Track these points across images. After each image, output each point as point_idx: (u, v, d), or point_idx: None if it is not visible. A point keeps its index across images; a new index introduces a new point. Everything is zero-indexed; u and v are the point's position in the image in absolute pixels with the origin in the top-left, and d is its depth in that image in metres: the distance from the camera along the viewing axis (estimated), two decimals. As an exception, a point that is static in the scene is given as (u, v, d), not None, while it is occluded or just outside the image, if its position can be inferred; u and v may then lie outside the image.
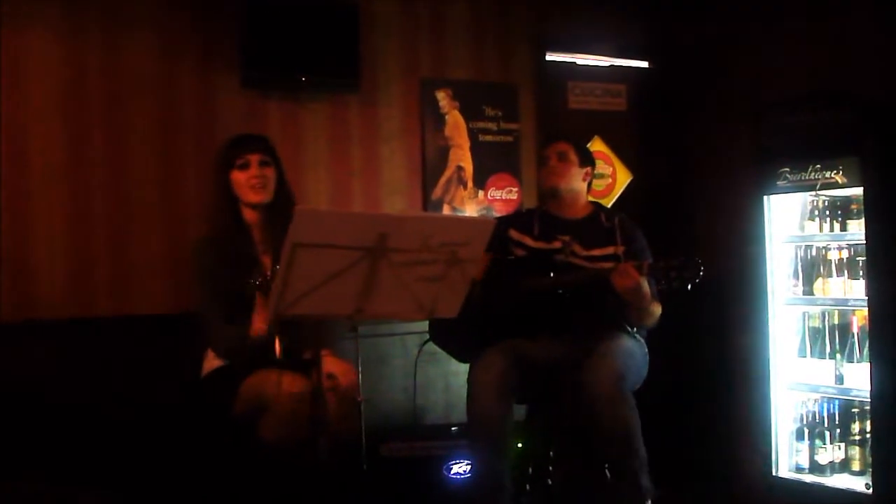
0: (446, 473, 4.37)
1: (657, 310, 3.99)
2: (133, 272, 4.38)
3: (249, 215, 3.84)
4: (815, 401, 4.67)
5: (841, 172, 4.40)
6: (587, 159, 4.29)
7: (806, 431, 4.66)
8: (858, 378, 4.39)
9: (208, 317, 3.73)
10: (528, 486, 4.20)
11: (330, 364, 3.60)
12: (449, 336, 4.19)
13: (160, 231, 4.44)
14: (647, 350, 4.08)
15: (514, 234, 4.19)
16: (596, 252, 4.08)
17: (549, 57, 5.45)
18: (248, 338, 3.59)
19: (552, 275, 4.02)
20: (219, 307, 3.67)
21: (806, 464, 4.65)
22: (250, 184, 3.73)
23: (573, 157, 4.21)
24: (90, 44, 4.31)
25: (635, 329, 4.07)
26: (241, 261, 3.65)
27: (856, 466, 4.52)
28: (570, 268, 4.04)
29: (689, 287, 3.68)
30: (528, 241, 4.17)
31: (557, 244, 4.12)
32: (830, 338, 4.56)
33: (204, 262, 3.76)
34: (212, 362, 3.79)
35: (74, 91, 4.29)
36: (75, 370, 4.16)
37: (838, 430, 4.59)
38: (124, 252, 4.36)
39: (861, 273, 4.41)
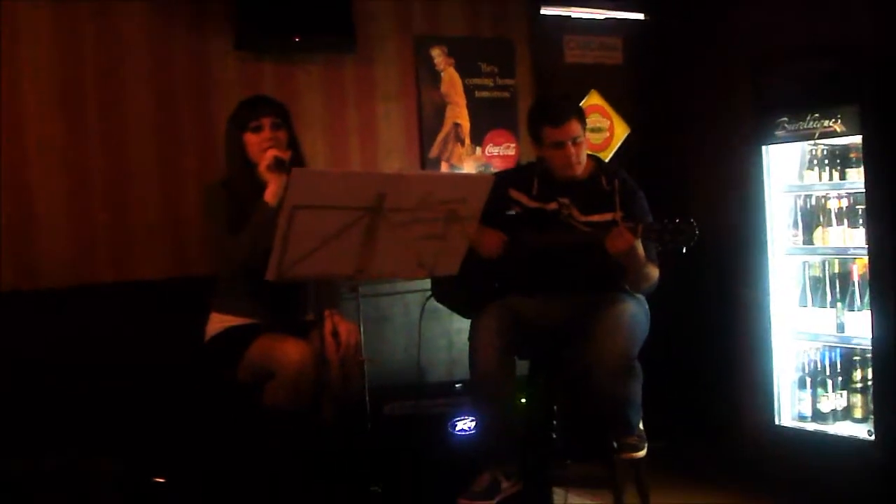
0: (451, 431, 4.38)
1: (654, 272, 3.95)
2: (133, 237, 4.39)
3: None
4: (817, 349, 4.68)
5: (839, 121, 4.38)
6: (585, 125, 4.12)
7: (808, 380, 4.68)
8: (859, 326, 4.39)
9: (220, 241, 3.72)
10: (532, 441, 4.21)
11: (334, 323, 3.61)
12: (451, 293, 4.19)
13: (159, 195, 4.44)
14: (647, 307, 4.08)
15: (512, 192, 4.15)
16: (594, 218, 4.01)
17: (544, 11, 5.41)
18: (261, 206, 3.59)
19: (547, 234, 4.01)
20: (230, 232, 3.66)
21: (808, 412, 4.67)
22: (262, 146, 3.73)
23: (582, 132, 4.04)
24: (82, 8, 4.29)
25: (634, 290, 4.07)
26: (251, 211, 3.65)
27: (858, 414, 4.55)
28: (567, 229, 4.02)
29: (685, 249, 3.68)
30: (525, 200, 4.13)
31: (554, 205, 4.07)
32: (831, 287, 4.57)
33: (216, 200, 3.76)
34: (215, 325, 3.80)
35: (68, 57, 4.27)
36: (78, 338, 4.16)
37: (840, 378, 4.61)
38: (124, 218, 4.37)
39: (861, 222, 4.40)
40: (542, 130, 4.02)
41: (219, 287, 3.85)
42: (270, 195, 3.62)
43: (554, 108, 4.07)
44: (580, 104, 4.32)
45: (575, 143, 4.00)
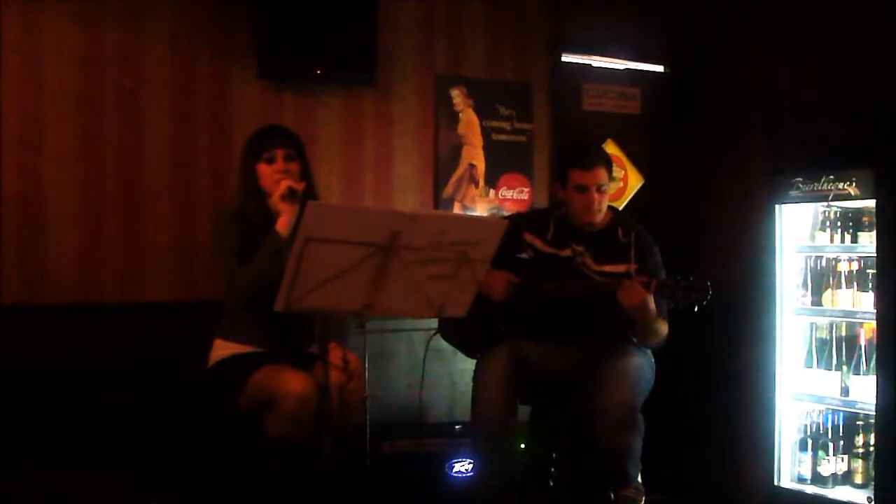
0: (449, 472, 4.37)
1: (663, 328, 3.94)
2: (143, 259, 4.40)
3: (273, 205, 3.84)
4: (820, 412, 4.66)
5: (854, 184, 4.39)
6: (612, 172, 4.15)
7: (809, 442, 4.65)
8: (864, 391, 4.37)
9: (229, 270, 3.70)
10: (530, 487, 4.19)
11: (341, 355, 3.61)
12: (458, 331, 4.18)
13: (171, 218, 4.45)
14: (653, 360, 4.07)
15: (527, 235, 4.15)
16: (607, 268, 4.01)
17: (565, 58, 5.44)
18: (273, 235, 3.59)
19: (559, 281, 4.01)
20: (239, 261, 3.65)
21: (808, 475, 4.64)
22: (275, 177, 3.74)
23: (608, 181, 4.04)
24: (106, 26, 4.33)
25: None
26: (262, 238, 3.65)
27: (858, 479, 4.51)
28: (579, 277, 4.02)
29: (697, 308, 3.68)
30: (539, 244, 4.12)
31: (568, 252, 4.07)
32: (837, 349, 4.55)
33: (227, 227, 3.75)
34: (219, 352, 3.79)
35: (89, 74, 4.30)
36: (81, 355, 4.17)
37: (842, 442, 4.58)
38: (134, 238, 4.38)
39: (870, 286, 4.40)
40: (570, 171, 4.03)
41: (224, 314, 3.84)
42: (282, 226, 3.62)
43: (584, 151, 4.10)
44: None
45: (599, 190, 4.00)
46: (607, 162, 4.08)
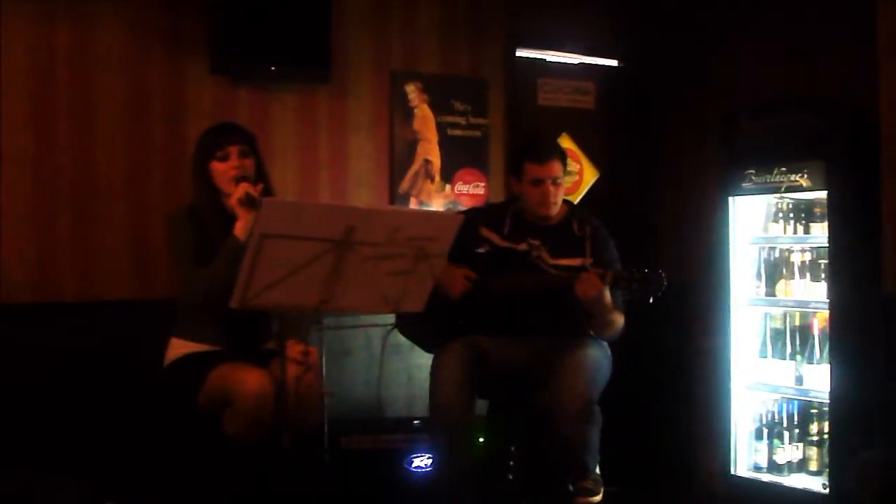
0: (408, 466, 4.37)
1: (620, 320, 3.98)
2: (98, 257, 4.36)
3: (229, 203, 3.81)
4: (775, 401, 4.71)
5: (806, 176, 4.44)
6: (566, 170, 4.20)
7: (765, 431, 4.71)
8: (818, 379, 4.43)
9: (185, 273, 3.68)
10: (489, 481, 4.21)
11: (300, 349, 3.60)
12: (415, 326, 4.19)
13: (126, 216, 4.41)
14: (609, 352, 4.10)
15: (483, 230, 4.16)
16: (563, 262, 4.03)
17: (520, 53, 5.45)
18: (231, 241, 3.55)
19: (516, 275, 4.02)
20: (194, 267, 3.63)
21: (764, 463, 4.69)
22: (229, 175, 3.71)
23: (562, 175, 4.09)
24: (57, 25, 4.28)
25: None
26: (218, 240, 3.62)
27: (813, 466, 4.57)
28: (536, 270, 4.04)
29: (652, 300, 3.71)
30: (496, 239, 4.14)
31: (524, 246, 4.09)
32: (791, 339, 4.61)
33: (181, 229, 3.71)
34: (175, 350, 3.77)
35: (41, 74, 4.25)
36: (38, 355, 4.12)
37: (797, 431, 4.64)
38: (90, 237, 4.34)
39: (823, 276, 4.45)
40: (525, 165, 4.06)
41: (180, 313, 3.81)
42: (240, 229, 3.58)
43: (539, 145, 4.15)
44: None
45: (554, 182, 4.04)
46: (562, 155, 4.12)
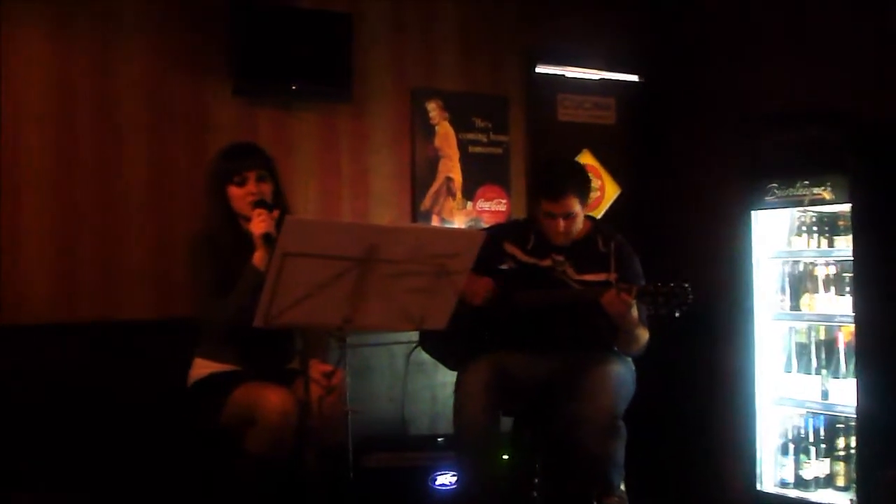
0: (432, 484, 4.36)
1: (644, 335, 3.97)
2: (120, 277, 4.38)
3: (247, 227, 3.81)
4: (801, 416, 4.67)
5: (829, 189, 4.41)
6: (588, 194, 4.17)
7: (791, 446, 4.67)
8: (844, 394, 4.39)
9: (204, 300, 3.68)
10: (514, 498, 4.19)
11: (324, 367, 3.61)
12: (439, 344, 4.18)
13: (148, 237, 4.43)
14: (634, 367, 4.08)
15: (507, 246, 4.16)
16: (588, 277, 4.03)
17: (539, 69, 5.45)
18: (249, 270, 3.55)
19: (541, 290, 4.01)
20: (214, 292, 3.64)
21: (791, 479, 4.65)
22: (247, 200, 3.70)
23: (578, 207, 4.03)
24: (82, 47, 4.32)
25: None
26: (236, 263, 3.63)
27: (840, 482, 4.52)
28: (560, 286, 4.03)
29: (678, 314, 3.69)
30: (519, 254, 4.14)
31: (548, 262, 4.09)
32: (816, 353, 4.57)
33: (200, 255, 3.72)
34: (199, 370, 3.78)
35: (65, 95, 4.29)
36: (58, 376, 4.14)
37: (823, 446, 4.60)
38: (111, 257, 4.36)
39: (847, 289, 4.42)
40: (539, 199, 4.06)
41: (202, 333, 3.82)
42: (259, 259, 3.58)
43: (553, 183, 4.05)
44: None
45: (567, 217, 4.01)
46: (579, 188, 4.06)
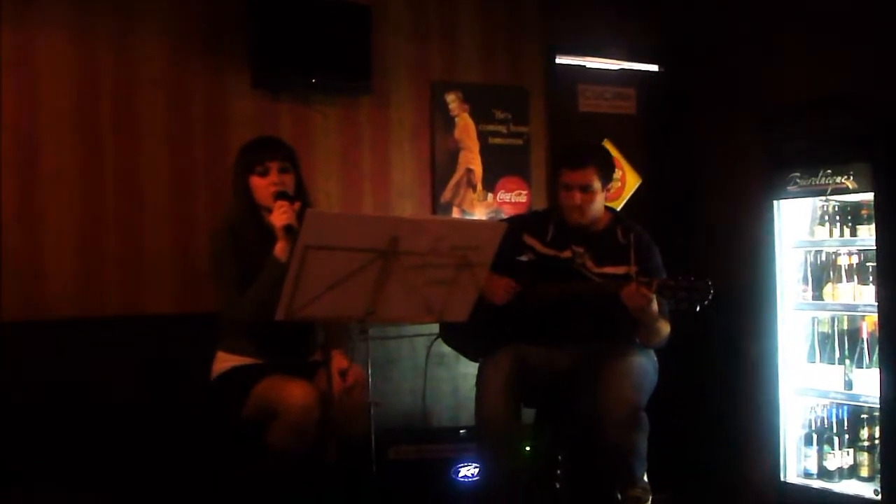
0: (454, 476, 4.37)
1: (665, 328, 3.95)
2: (143, 272, 4.40)
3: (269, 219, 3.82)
4: (824, 406, 4.66)
5: (852, 178, 4.39)
6: (610, 176, 4.13)
7: (815, 437, 4.65)
8: (867, 384, 4.37)
9: (227, 294, 3.69)
10: (536, 490, 4.19)
11: (342, 363, 3.62)
12: (460, 335, 4.18)
13: (170, 231, 4.45)
14: (656, 359, 4.07)
15: (526, 237, 4.14)
16: (608, 269, 4.01)
17: (559, 60, 5.45)
18: (271, 261, 3.55)
19: (561, 284, 4.00)
20: (236, 286, 3.65)
21: (814, 469, 4.64)
22: (269, 191, 3.71)
23: (597, 184, 4.01)
24: (100, 43, 4.34)
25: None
26: (258, 255, 3.64)
27: (864, 472, 4.51)
28: (580, 278, 4.02)
29: (698, 308, 3.67)
30: (539, 246, 4.13)
31: (568, 253, 4.07)
32: (840, 343, 4.55)
33: (222, 248, 3.72)
34: (221, 364, 3.79)
35: (85, 91, 4.31)
36: (82, 370, 4.17)
37: (847, 436, 4.58)
38: (134, 252, 4.38)
39: (871, 279, 4.40)
40: (560, 169, 4.06)
41: (225, 327, 3.83)
42: (280, 251, 3.59)
43: (575, 151, 4.10)
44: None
45: (585, 190, 3.99)
46: (600, 163, 4.05)
